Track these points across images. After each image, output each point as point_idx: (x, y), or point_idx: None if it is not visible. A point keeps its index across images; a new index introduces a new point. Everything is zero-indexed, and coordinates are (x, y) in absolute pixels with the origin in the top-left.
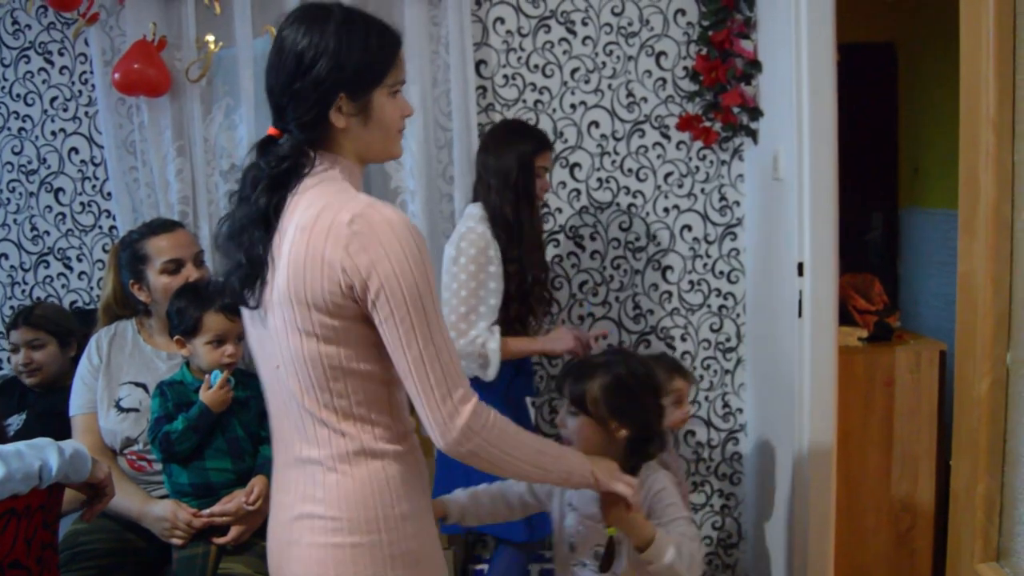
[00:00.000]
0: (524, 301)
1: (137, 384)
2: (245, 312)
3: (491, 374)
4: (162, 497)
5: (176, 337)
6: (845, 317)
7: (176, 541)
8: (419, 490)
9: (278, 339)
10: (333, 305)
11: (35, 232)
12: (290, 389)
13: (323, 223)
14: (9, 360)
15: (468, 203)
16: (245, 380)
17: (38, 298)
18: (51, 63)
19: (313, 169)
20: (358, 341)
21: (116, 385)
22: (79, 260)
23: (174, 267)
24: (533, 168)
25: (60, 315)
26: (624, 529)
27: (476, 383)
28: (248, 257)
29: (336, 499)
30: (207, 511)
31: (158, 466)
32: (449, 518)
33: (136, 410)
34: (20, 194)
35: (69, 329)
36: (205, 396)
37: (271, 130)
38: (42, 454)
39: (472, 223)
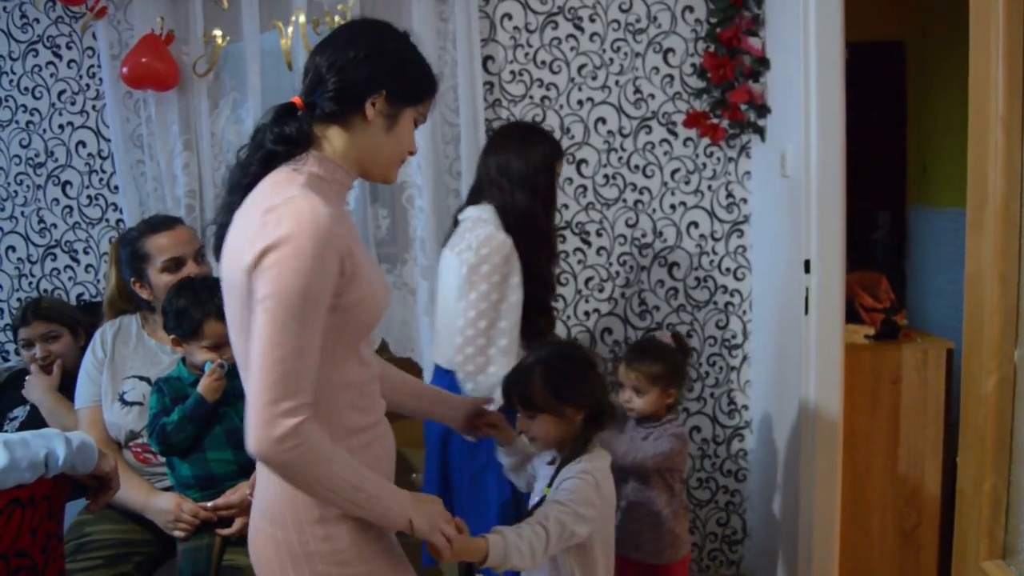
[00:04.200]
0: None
1: (141, 378)
2: None
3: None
4: (167, 489)
5: (172, 336)
6: (852, 315)
7: (179, 534)
8: None
9: None
10: (247, 292)
11: (42, 225)
12: None
13: (241, 221)
14: (18, 353)
15: (463, 205)
16: None
17: (45, 290)
18: (59, 57)
19: (296, 159)
20: None
21: (120, 379)
22: (86, 253)
23: (175, 265)
24: (554, 172)
25: (66, 306)
26: (459, 559)
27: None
28: (222, 219)
29: (263, 487)
30: (211, 504)
31: (163, 458)
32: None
33: (140, 403)
34: (28, 187)
35: (77, 319)
36: (199, 385)
37: (295, 99)
38: (49, 443)
39: (491, 228)
